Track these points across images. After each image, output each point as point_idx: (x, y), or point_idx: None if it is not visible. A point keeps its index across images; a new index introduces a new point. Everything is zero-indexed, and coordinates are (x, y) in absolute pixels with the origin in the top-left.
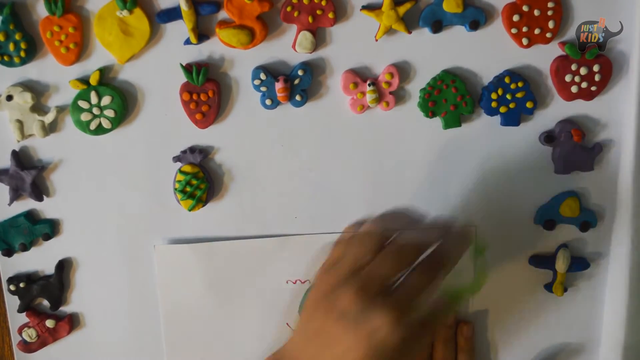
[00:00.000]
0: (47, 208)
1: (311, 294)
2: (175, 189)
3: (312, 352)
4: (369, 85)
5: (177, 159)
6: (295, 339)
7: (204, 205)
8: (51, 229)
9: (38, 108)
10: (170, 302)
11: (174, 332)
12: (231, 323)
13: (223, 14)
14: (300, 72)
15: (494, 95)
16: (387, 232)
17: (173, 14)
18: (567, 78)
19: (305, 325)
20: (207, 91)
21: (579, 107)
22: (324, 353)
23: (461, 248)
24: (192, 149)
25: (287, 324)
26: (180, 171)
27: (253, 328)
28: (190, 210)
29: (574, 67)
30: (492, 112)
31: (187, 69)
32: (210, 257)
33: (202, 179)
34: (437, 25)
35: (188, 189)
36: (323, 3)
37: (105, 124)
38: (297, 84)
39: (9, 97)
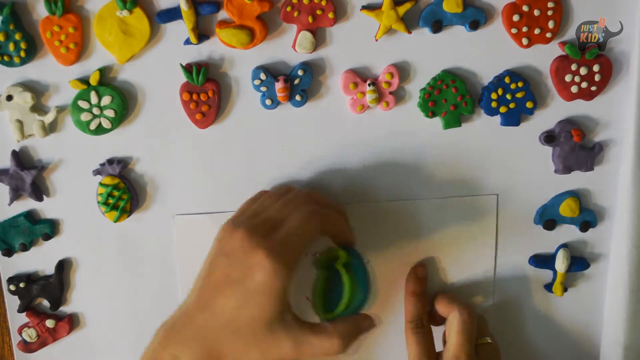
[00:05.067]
0: (47, 208)
1: (215, 239)
2: (98, 202)
3: (205, 288)
4: (369, 85)
5: (96, 172)
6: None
7: (129, 216)
8: (51, 229)
9: (38, 108)
10: (189, 272)
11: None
12: None
13: (223, 14)
14: (300, 72)
15: (494, 95)
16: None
17: (173, 14)
18: (567, 78)
19: (202, 269)
20: (207, 91)
21: (579, 107)
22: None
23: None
24: (110, 161)
25: (306, 297)
26: (101, 184)
27: None
28: (115, 221)
29: (574, 67)
30: (492, 112)
31: (187, 69)
32: None
33: (123, 190)
34: (437, 25)
35: (110, 200)
36: (323, 3)
37: (105, 124)
38: (297, 84)
39: (9, 97)
